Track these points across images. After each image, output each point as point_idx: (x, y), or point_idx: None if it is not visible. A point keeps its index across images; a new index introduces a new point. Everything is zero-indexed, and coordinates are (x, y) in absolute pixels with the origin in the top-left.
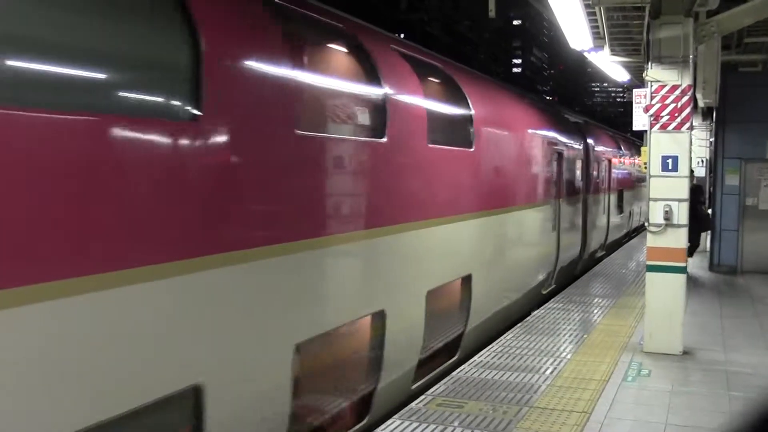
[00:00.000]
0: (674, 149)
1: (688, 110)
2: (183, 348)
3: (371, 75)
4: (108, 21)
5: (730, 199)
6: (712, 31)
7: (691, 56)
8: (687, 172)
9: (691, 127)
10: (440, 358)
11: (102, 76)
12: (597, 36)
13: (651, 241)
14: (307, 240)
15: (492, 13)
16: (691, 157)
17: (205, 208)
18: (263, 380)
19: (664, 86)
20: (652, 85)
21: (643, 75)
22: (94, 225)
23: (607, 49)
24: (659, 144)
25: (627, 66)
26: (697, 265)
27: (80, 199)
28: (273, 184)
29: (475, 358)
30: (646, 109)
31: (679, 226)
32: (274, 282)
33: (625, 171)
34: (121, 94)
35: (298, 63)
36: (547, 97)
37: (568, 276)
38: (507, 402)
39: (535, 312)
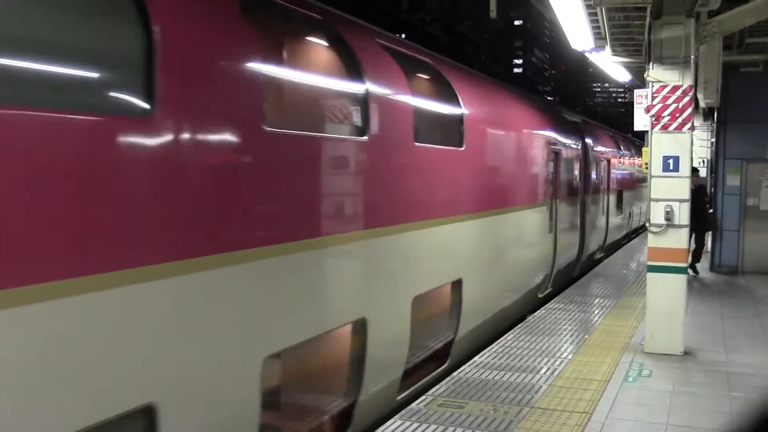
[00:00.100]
0: (675, 149)
1: (689, 111)
2: (131, 365)
3: (352, 70)
4: (49, 7)
5: (731, 200)
6: (713, 31)
7: (692, 56)
8: (688, 173)
9: (693, 128)
10: (429, 367)
11: (45, 68)
12: (598, 36)
13: (652, 241)
14: (275, 245)
15: (493, 14)
16: (692, 158)
17: (151, 212)
18: (226, 397)
19: (665, 86)
20: (653, 86)
21: (645, 75)
22: (19, 225)
23: (608, 49)
24: (660, 144)
25: (628, 66)
26: (698, 266)
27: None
28: (235, 184)
29: (475, 358)
30: (648, 110)
31: (680, 226)
32: (238, 291)
33: (625, 171)
34: (64, 87)
35: (268, 56)
36: (549, 98)
37: (565, 279)
38: (508, 402)
39: (536, 313)
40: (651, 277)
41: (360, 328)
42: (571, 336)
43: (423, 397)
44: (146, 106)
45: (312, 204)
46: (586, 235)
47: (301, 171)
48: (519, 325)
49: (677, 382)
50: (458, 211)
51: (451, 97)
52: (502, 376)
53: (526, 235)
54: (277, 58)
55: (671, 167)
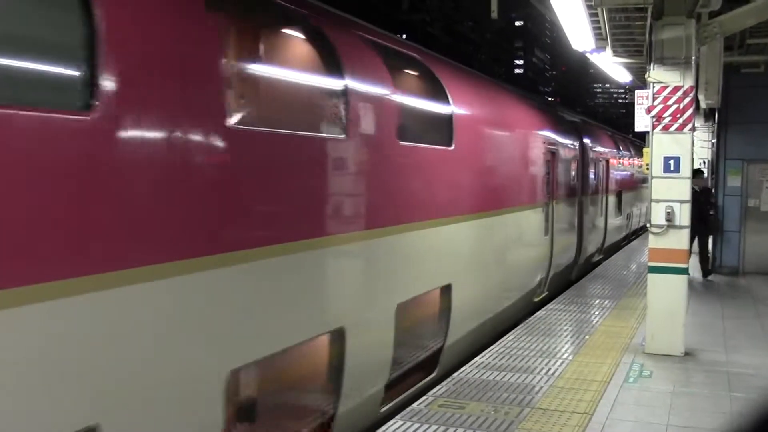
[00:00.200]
0: (676, 150)
1: (690, 111)
2: (73, 384)
3: (330, 64)
4: None
5: (732, 201)
6: (714, 32)
7: (693, 57)
8: (689, 174)
9: (693, 129)
10: (416, 376)
11: None
12: (599, 37)
13: (653, 242)
14: (244, 251)
15: (494, 14)
16: (693, 158)
17: (98, 214)
18: (184, 415)
19: (666, 87)
20: (654, 87)
21: (646, 76)
22: None
23: (609, 50)
24: (661, 145)
25: (629, 67)
26: (697, 266)
27: None
28: (189, 185)
29: (476, 359)
30: (648, 110)
31: (680, 227)
32: (200, 301)
33: (625, 172)
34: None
35: (236, 49)
36: (548, 98)
37: (562, 282)
38: (508, 403)
39: (537, 313)
40: (652, 277)
41: (337, 338)
42: (571, 337)
43: (424, 398)
44: (87, 100)
45: (282, 206)
46: (584, 237)
47: (269, 170)
48: (520, 326)
49: (678, 382)
50: (447, 213)
51: (439, 94)
52: (503, 377)
53: (521, 238)
54: (245, 52)
55: (672, 168)
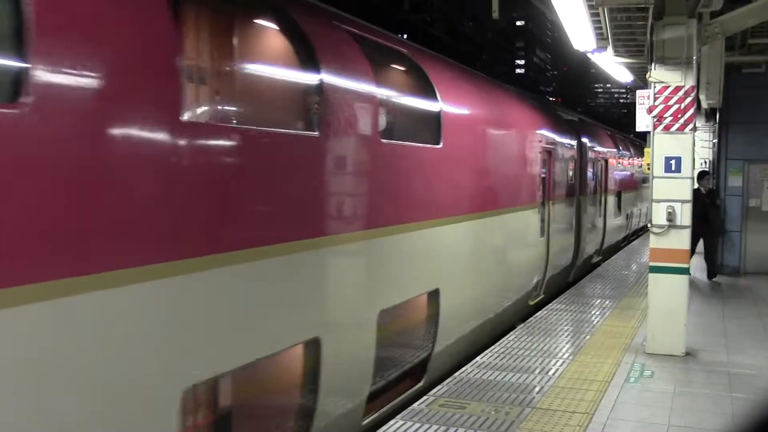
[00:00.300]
0: (677, 150)
1: (691, 111)
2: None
3: (304, 57)
4: None
5: (733, 201)
6: (715, 32)
7: (694, 57)
8: (690, 174)
9: (695, 129)
10: (402, 385)
11: None
12: (600, 37)
13: (654, 242)
14: (198, 258)
15: (496, 14)
16: (694, 159)
17: (18, 220)
18: None
19: (667, 87)
20: (655, 86)
21: (647, 76)
22: None
23: (610, 50)
24: (662, 145)
25: (630, 67)
26: (699, 266)
27: None
28: (139, 184)
29: (477, 359)
30: (650, 110)
31: (681, 227)
32: (150, 312)
33: (624, 172)
34: None
35: (195, 39)
36: (551, 98)
37: (559, 284)
38: (509, 403)
39: (538, 313)
40: (653, 277)
41: (312, 349)
42: (572, 337)
43: (425, 398)
44: (16, 91)
45: (248, 207)
46: (582, 239)
47: (231, 168)
48: (520, 326)
49: (679, 382)
50: (435, 215)
51: (427, 90)
52: (504, 377)
53: (514, 239)
54: (207, 42)
55: (673, 168)
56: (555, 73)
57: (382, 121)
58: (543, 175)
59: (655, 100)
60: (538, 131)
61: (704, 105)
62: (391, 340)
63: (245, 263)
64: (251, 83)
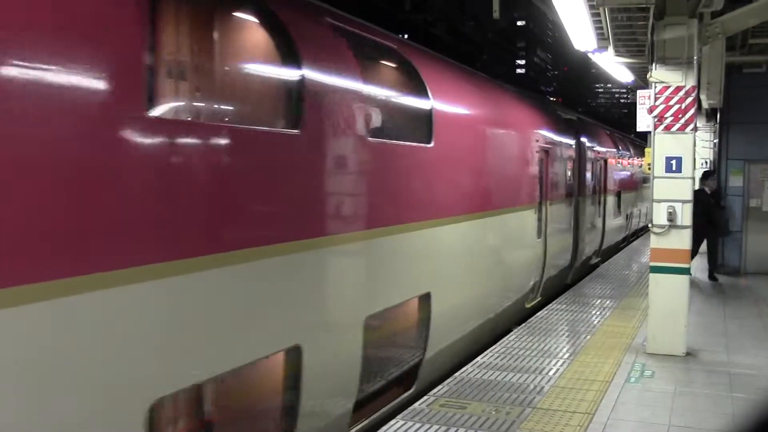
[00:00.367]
0: (678, 150)
1: (692, 111)
2: None
3: (284, 51)
4: None
5: (733, 201)
6: (716, 32)
7: (695, 57)
8: (691, 174)
9: (695, 129)
10: (391, 393)
11: None
12: (601, 37)
13: (655, 242)
14: (167, 263)
15: (496, 14)
16: (695, 159)
17: None
18: None
19: (668, 87)
20: (656, 86)
21: (648, 76)
22: None
23: (611, 49)
24: (663, 145)
25: (631, 67)
26: (700, 267)
27: None
28: (97, 182)
29: (477, 359)
30: (650, 110)
31: (682, 227)
32: (114, 322)
33: (624, 171)
34: None
35: (164, 31)
36: (551, 98)
37: (557, 286)
38: (510, 403)
39: (539, 313)
40: (654, 277)
41: (293, 357)
42: (572, 337)
43: (425, 397)
44: None
45: (222, 209)
46: (580, 240)
47: (200, 167)
48: (521, 326)
49: (679, 382)
50: (426, 216)
51: (418, 87)
52: (504, 377)
53: (511, 241)
54: (176, 34)
55: (674, 168)
56: (556, 73)
57: (369, 119)
58: (540, 175)
59: (655, 100)
60: (535, 130)
61: (705, 105)
62: (380, 346)
63: (222, 268)
64: (227, 78)
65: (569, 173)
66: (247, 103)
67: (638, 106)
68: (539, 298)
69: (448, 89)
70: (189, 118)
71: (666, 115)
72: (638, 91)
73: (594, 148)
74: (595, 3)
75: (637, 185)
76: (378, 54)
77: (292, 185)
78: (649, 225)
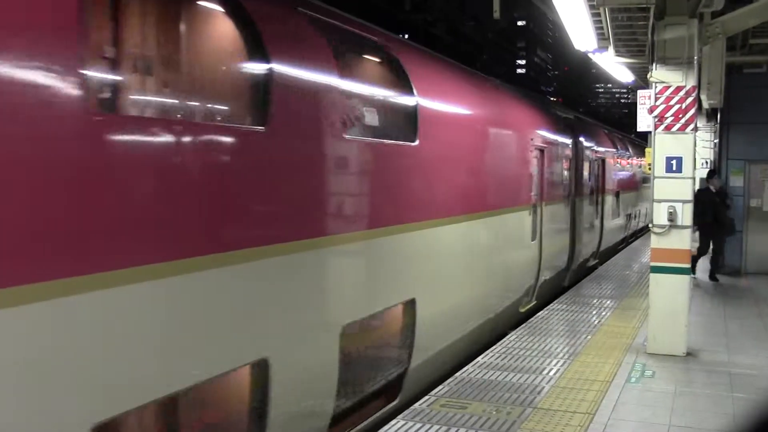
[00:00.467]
0: (678, 150)
1: (692, 111)
2: None
3: (250, 44)
4: None
5: (734, 201)
6: (716, 32)
7: (695, 57)
8: (691, 174)
9: (696, 129)
10: (374, 404)
11: None
12: (601, 37)
13: (655, 242)
14: (121, 270)
15: (497, 14)
16: (695, 159)
17: None
18: None
19: (668, 87)
20: (656, 86)
21: (648, 76)
22: None
23: (611, 50)
24: (663, 145)
25: (631, 67)
26: (701, 267)
27: None
28: (33, 184)
29: (478, 359)
30: (651, 110)
31: (683, 227)
32: (65, 333)
33: (623, 172)
34: None
35: (104, 19)
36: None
37: (553, 289)
38: (510, 403)
39: (539, 313)
40: (654, 277)
41: (260, 371)
42: (573, 337)
43: (426, 398)
44: None
45: (181, 211)
46: (577, 241)
47: (150, 167)
48: (522, 326)
49: (680, 382)
50: (410, 219)
51: (402, 83)
52: (505, 377)
53: (504, 243)
54: (128, 24)
55: (674, 168)
56: (556, 73)
57: (346, 116)
58: (535, 176)
59: (656, 100)
60: (530, 129)
61: (705, 105)
62: (359, 356)
63: (183, 275)
64: (186, 73)
65: (566, 173)
66: (206, 99)
67: (639, 106)
68: (535, 302)
69: (436, 86)
70: (137, 114)
71: (666, 115)
72: (639, 91)
73: (592, 148)
74: (595, 3)
75: (636, 185)
76: (359, 48)
77: (256, 187)
78: (650, 225)
